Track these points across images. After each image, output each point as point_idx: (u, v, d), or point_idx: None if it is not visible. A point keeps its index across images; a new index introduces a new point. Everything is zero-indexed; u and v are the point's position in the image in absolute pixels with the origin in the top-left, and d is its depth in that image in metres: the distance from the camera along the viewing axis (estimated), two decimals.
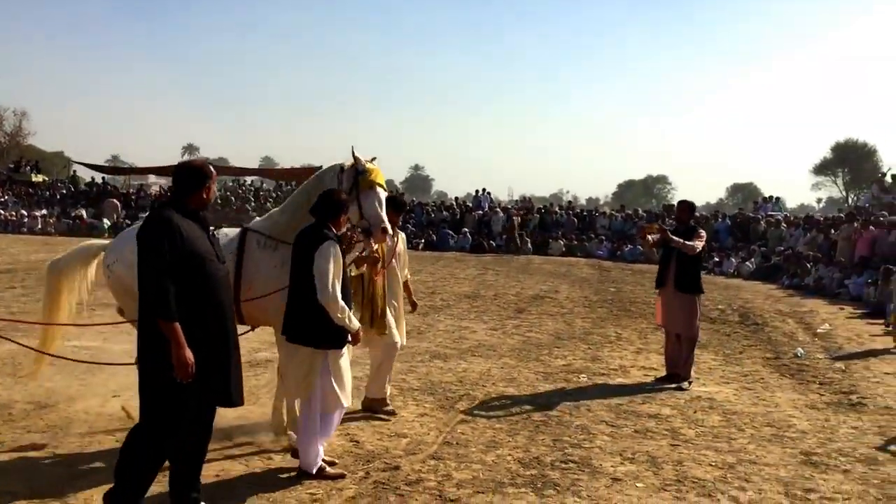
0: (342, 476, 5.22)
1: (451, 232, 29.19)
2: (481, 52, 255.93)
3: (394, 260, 6.79)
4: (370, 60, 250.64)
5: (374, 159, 5.96)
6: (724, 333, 12.05)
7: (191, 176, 4.37)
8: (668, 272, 8.60)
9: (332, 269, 4.86)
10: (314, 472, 5.16)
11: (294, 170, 43.00)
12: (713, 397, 7.90)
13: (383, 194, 5.87)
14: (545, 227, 30.52)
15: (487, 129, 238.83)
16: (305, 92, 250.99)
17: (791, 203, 77.53)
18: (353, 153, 5.85)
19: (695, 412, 7.30)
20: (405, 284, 7.12)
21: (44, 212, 32.22)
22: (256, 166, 57.08)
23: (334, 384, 5.07)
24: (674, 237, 8.41)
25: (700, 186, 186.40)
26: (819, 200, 77.32)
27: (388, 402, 6.90)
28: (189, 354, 4.03)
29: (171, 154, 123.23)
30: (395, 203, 6.76)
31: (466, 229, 29.61)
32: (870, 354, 10.57)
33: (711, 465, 5.81)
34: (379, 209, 5.74)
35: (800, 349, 10.57)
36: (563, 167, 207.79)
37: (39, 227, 30.58)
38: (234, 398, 4.40)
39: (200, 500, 4.41)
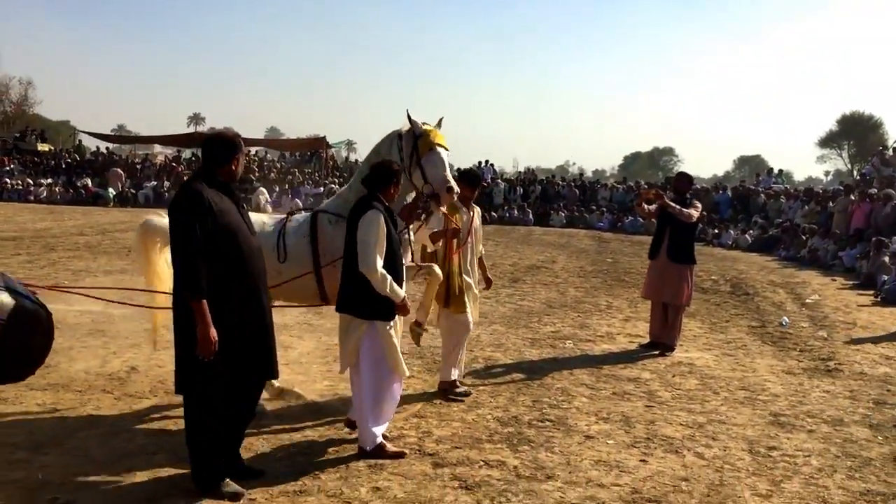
0: (402, 455, 5.09)
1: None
2: (489, 23, 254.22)
3: (472, 236, 6.58)
4: (376, 31, 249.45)
5: (440, 122, 5.82)
6: (713, 303, 12.26)
7: (221, 148, 4.35)
8: (662, 243, 8.75)
9: (374, 239, 4.77)
10: (369, 449, 5.04)
11: (300, 140, 43.19)
12: (693, 363, 8.15)
13: (445, 154, 5.64)
14: (547, 198, 30.68)
15: (494, 101, 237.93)
16: (312, 62, 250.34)
17: (799, 176, 77.39)
18: (408, 116, 5.67)
19: (673, 376, 7.55)
20: (479, 261, 6.88)
21: (49, 180, 32.48)
22: (262, 136, 57.11)
23: (386, 355, 4.99)
24: (670, 202, 8.56)
25: (707, 159, 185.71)
26: (827, 173, 77.00)
27: (459, 383, 6.69)
28: (213, 333, 4.05)
29: (177, 123, 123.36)
30: (470, 177, 6.65)
31: None
32: (875, 339, 10.75)
33: (682, 424, 6.07)
34: (442, 170, 5.57)
35: (785, 318, 10.79)
36: (571, 139, 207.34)
37: (45, 195, 30.86)
38: (269, 370, 4.49)
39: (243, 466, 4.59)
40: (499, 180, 32.73)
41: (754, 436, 5.85)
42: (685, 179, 9.23)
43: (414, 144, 5.61)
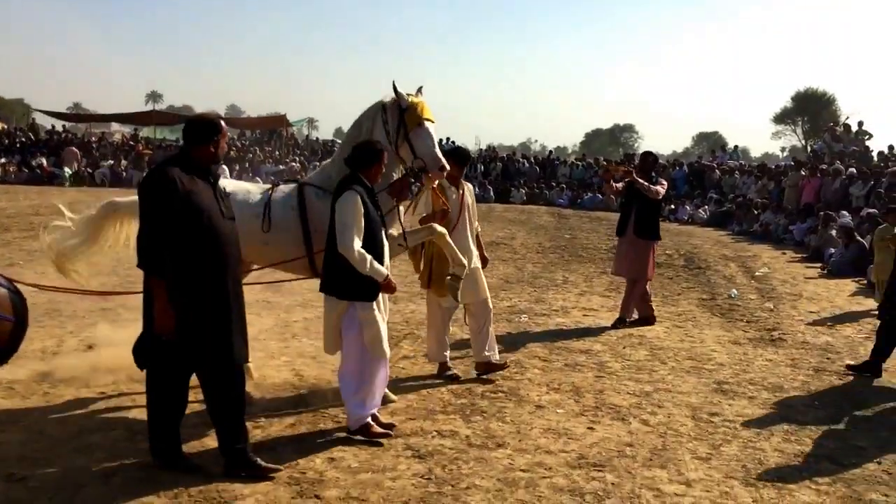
0: (388, 434, 5.09)
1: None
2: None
3: (465, 214, 6.46)
4: (336, 7, 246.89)
5: (420, 90, 5.67)
6: (666, 277, 12.54)
7: (199, 129, 4.31)
8: (629, 220, 8.89)
9: (350, 220, 4.77)
10: (353, 429, 5.06)
11: (259, 119, 42.73)
12: (644, 335, 8.39)
13: (433, 128, 5.55)
14: (508, 175, 30.84)
15: (455, 78, 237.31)
16: (273, 39, 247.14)
17: (756, 152, 78.43)
18: (394, 87, 5.52)
19: (624, 348, 7.78)
20: (476, 238, 6.71)
21: (3, 160, 31.80)
22: (222, 114, 56.47)
23: (366, 336, 4.95)
24: (638, 178, 8.70)
25: (667, 135, 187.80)
26: (783, 149, 77.98)
27: (450, 366, 6.62)
28: (171, 312, 4.09)
29: (135, 101, 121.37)
30: (459, 155, 6.52)
31: None
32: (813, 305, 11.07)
33: (630, 393, 6.29)
34: (432, 146, 5.47)
35: (734, 290, 11.11)
36: (533, 117, 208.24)
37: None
38: (234, 354, 4.37)
39: (248, 450, 4.45)
40: None
41: (698, 403, 6.10)
42: (651, 158, 9.47)
43: (400, 118, 5.51)
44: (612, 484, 4.55)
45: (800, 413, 5.95)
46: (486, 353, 6.55)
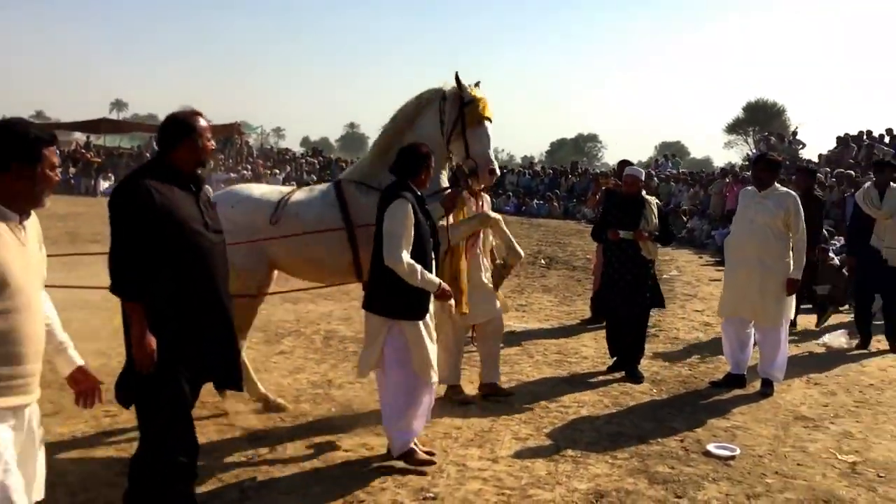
0: (431, 462, 4.87)
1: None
2: (418, 10, 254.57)
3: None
4: (303, 14, 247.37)
5: (477, 84, 5.41)
6: (575, 279, 12.98)
7: (170, 130, 3.74)
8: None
9: (400, 230, 4.47)
10: (396, 455, 4.83)
11: (216, 126, 42.83)
12: (528, 332, 8.77)
13: (491, 129, 5.33)
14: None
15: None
16: (239, 46, 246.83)
17: (719, 161, 79.77)
18: (457, 79, 5.28)
19: (501, 346, 8.13)
20: (491, 252, 6.27)
21: None
22: None
23: (415, 358, 4.67)
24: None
25: (630, 145, 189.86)
26: (746, 158, 79.43)
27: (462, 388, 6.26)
28: (150, 339, 3.53)
29: (100, 110, 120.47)
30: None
31: None
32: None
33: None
34: (488, 147, 5.29)
35: None
36: (501, 127, 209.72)
37: None
38: (223, 377, 3.92)
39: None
40: None
41: (542, 391, 6.48)
42: (626, 165, 9.97)
43: (460, 112, 5.26)
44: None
45: (634, 399, 6.37)
46: (494, 375, 6.38)
